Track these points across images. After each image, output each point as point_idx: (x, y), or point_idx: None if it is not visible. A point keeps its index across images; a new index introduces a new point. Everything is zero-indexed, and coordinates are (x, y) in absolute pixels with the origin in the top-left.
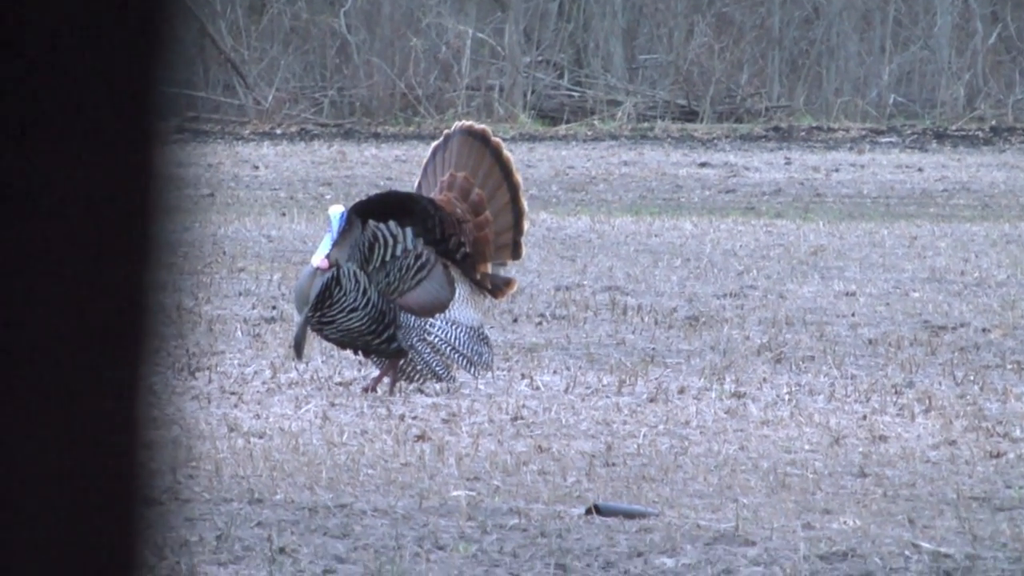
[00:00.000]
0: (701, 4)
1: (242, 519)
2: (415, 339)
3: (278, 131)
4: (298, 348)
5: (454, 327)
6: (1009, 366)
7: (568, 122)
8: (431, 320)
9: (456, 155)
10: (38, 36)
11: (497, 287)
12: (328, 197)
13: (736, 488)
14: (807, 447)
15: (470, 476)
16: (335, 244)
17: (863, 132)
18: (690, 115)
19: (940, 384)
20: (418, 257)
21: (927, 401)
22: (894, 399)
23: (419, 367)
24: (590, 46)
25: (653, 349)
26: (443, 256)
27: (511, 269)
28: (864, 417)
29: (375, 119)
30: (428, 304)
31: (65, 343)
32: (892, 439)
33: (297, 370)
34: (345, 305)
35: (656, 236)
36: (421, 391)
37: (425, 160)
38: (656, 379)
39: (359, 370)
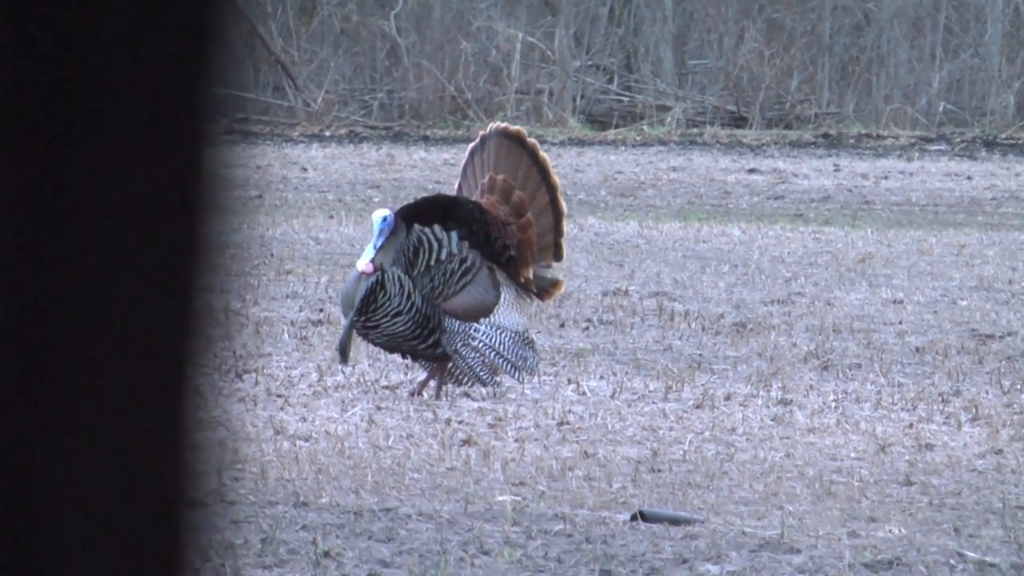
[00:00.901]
0: (752, 10)
1: (287, 522)
2: (459, 344)
3: (327, 133)
4: (343, 352)
5: (499, 331)
6: None
7: (617, 127)
8: (475, 325)
9: (494, 157)
10: (90, 37)
11: (544, 289)
12: (376, 200)
13: (782, 495)
14: (853, 455)
15: (515, 481)
16: (380, 248)
17: (912, 140)
18: (739, 121)
19: (987, 393)
20: (463, 261)
21: (974, 410)
22: (941, 407)
23: (464, 372)
24: (640, 51)
25: (700, 355)
26: (489, 259)
27: (558, 271)
28: (910, 425)
29: (424, 122)
30: (473, 308)
31: (114, 344)
32: (938, 447)
33: (343, 373)
34: (389, 310)
35: (704, 242)
36: (467, 395)
37: (463, 161)
38: (703, 385)
39: (405, 374)
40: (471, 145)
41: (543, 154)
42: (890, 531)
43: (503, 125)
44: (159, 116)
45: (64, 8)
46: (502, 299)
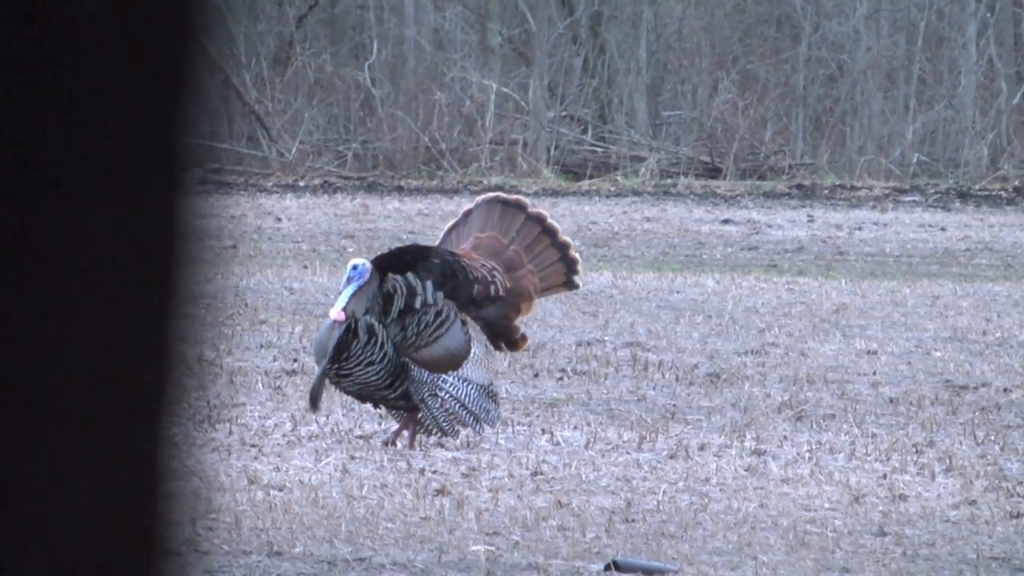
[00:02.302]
0: (726, 61)
1: (261, 572)
2: (426, 393)
3: (301, 183)
4: (314, 400)
5: (465, 384)
6: None
7: (591, 177)
8: (444, 376)
9: (480, 221)
10: (65, 87)
11: (513, 340)
12: (351, 250)
13: (756, 546)
14: (827, 505)
15: (489, 531)
16: (352, 296)
17: (886, 191)
18: (713, 172)
19: (961, 444)
20: (438, 314)
21: (948, 461)
22: (914, 458)
23: (428, 421)
24: (614, 102)
25: (674, 405)
26: (465, 306)
27: (531, 323)
28: (884, 476)
29: (398, 172)
30: (445, 360)
31: (88, 393)
32: (912, 498)
33: (317, 423)
34: (362, 359)
35: (678, 292)
36: (441, 445)
37: (448, 227)
38: (676, 436)
39: (379, 423)
40: (450, 223)
41: (534, 208)
42: None
43: (491, 195)
44: (135, 167)
45: (39, 58)
46: (472, 353)
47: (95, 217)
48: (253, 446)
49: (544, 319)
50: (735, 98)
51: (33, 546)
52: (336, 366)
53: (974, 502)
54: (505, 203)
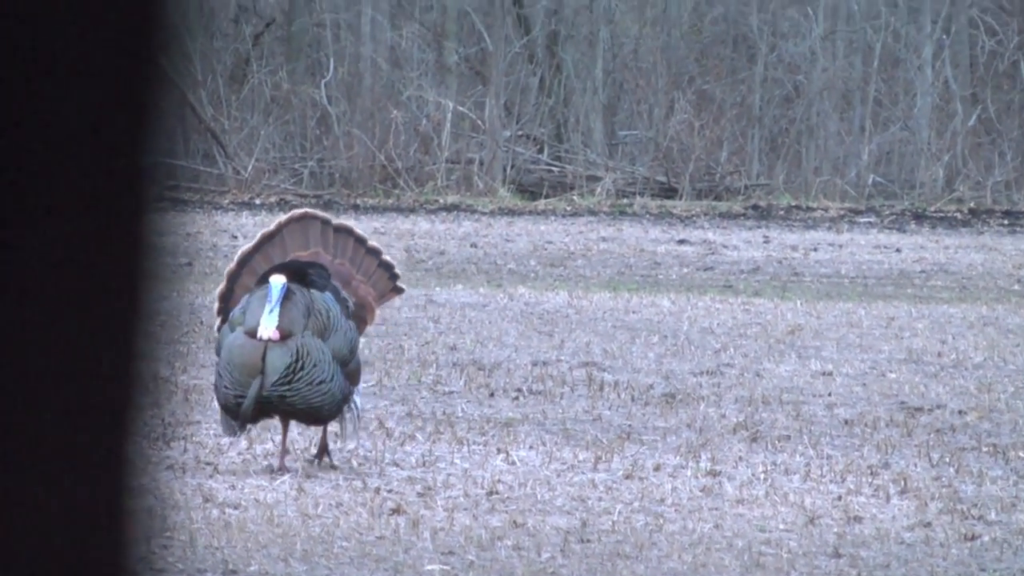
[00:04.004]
0: (681, 81)
1: None
2: (343, 407)
3: (257, 201)
4: (244, 422)
5: (358, 396)
6: (985, 449)
7: (547, 197)
8: (356, 388)
9: (299, 238)
10: (25, 106)
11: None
12: None
13: (711, 567)
14: (782, 526)
15: (445, 550)
16: (279, 315)
17: (842, 212)
18: (669, 192)
19: (916, 466)
20: (348, 329)
21: (903, 482)
22: (869, 480)
23: (348, 428)
24: (570, 121)
25: (629, 426)
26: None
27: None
28: (839, 497)
29: (355, 191)
30: (357, 372)
31: (46, 410)
32: (867, 520)
33: (273, 441)
34: (314, 377)
35: (634, 312)
36: (396, 464)
37: (246, 250)
38: (632, 456)
39: (335, 442)
40: (262, 234)
41: (337, 220)
42: None
43: (296, 212)
44: (96, 185)
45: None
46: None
47: (56, 236)
48: (208, 464)
49: (499, 338)
50: (691, 118)
51: None
52: (285, 387)
53: (929, 524)
54: (316, 218)
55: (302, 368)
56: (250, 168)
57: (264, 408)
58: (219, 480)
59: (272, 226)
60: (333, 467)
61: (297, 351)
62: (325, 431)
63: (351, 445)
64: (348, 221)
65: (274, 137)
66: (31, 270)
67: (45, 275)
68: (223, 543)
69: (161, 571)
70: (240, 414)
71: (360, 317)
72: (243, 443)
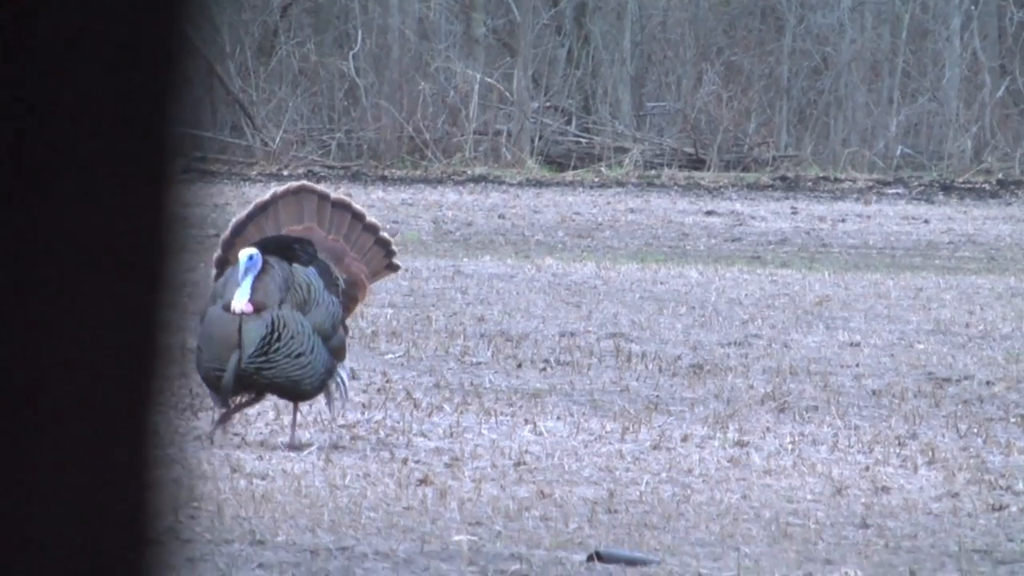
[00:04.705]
0: (710, 53)
1: (243, 560)
2: (328, 381)
3: (285, 172)
4: (226, 396)
5: (344, 371)
6: (1012, 419)
7: (575, 168)
8: (343, 362)
9: (292, 212)
10: (53, 78)
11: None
12: None
13: (738, 537)
14: (809, 497)
15: (472, 521)
16: (253, 288)
17: (870, 183)
18: (697, 163)
19: (943, 436)
20: (333, 303)
21: (930, 453)
22: (897, 450)
23: (335, 398)
24: (598, 92)
25: (657, 396)
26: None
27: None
28: (867, 468)
29: (382, 162)
30: (344, 347)
31: (73, 383)
32: (894, 490)
33: (300, 412)
34: (292, 350)
35: (661, 283)
36: (424, 435)
37: (239, 219)
38: (659, 427)
39: (362, 413)
40: (254, 206)
41: (337, 195)
42: (846, 573)
43: (289, 185)
44: (124, 156)
45: (26, 49)
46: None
47: (83, 208)
48: (235, 434)
49: (527, 309)
50: (719, 90)
51: (16, 537)
52: (262, 359)
53: (956, 494)
54: (313, 192)
55: (278, 340)
56: (278, 140)
57: (245, 382)
58: (247, 451)
59: (267, 195)
60: (296, 449)
61: (272, 323)
62: (296, 409)
63: (340, 420)
64: (345, 195)
65: (302, 109)
66: (57, 241)
67: (71, 245)
68: (250, 513)
69: (188, 541)
70: (221, 388)
71: (351, 296)
72: (271, 414)
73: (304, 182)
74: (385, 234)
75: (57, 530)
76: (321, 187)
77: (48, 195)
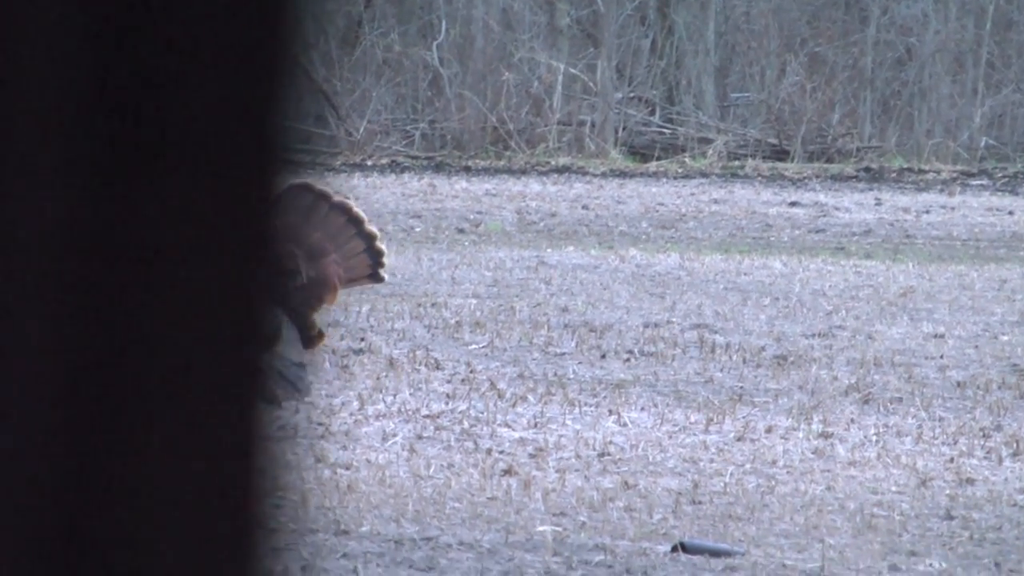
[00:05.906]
0: (794, 43)
1: (328, 550)
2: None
3: (369, 163)
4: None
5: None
6: None
7: (659, 159)
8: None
9: (286, 208)
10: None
11: (311, 338)
12: (418, 229)
13: (822, 528)
14: (894, 488)
15: (556, 511)
16: None
17: (954, 174)
18: (781, 154)
19: None
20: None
21: (1015, 445)
22: (982, 442)
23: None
24: (682, 83)
25: (741, 388)
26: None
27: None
28: (951, 460)
29: (466, 152)
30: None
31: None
32: (979, 482)
33: (384, 402)
34: None
35: (745, 274)
36: (508, 425)
37: None
38: (744, 418)
39: (447, 403)
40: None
41: (337, 196)
42: (931, 565)
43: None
44: (231, 146)
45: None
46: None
47: (194, 197)
48: (320, 425)
49: (611, 300)
50: (803, 80)
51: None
52: None
53: None
54: (310, 190)
55: None
56: (362, 130)
57: None
58: (331, 440)
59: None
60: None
61: None
62: None
63: (424, 411)
64: (348, 198)
65: (386, 99)
66: (156, 233)
67: (171, 237)
68: (335, 503)
69: (273, 531)
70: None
71: (316, 294)
72: (355, 404)
73: (307, 181)
74: (381, 245)
75: (144, 522)
76: (325, 188)
77: (161, 186)
